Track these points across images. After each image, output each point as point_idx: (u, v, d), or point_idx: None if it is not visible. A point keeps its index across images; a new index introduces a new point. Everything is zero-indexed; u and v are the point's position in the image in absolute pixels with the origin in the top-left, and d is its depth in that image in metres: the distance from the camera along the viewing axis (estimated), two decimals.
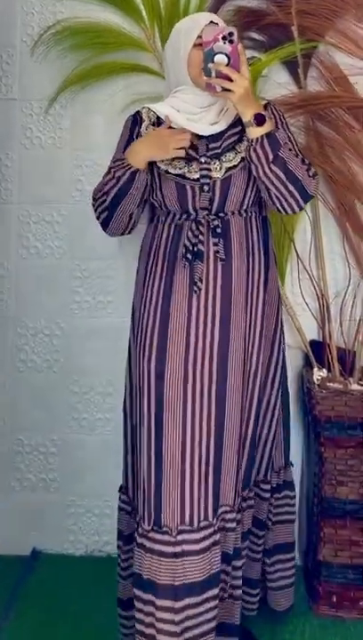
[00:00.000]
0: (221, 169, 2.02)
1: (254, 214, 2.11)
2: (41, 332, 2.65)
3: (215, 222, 2.03)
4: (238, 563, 2.02)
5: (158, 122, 2.09)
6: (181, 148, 1.98)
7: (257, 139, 1.94)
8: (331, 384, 2.37)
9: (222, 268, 2.01)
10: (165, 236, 2.10)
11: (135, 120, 2.13)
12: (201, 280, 2.00)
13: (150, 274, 2.09)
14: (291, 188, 1.98)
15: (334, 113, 2.45)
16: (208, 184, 2.02)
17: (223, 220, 2.04)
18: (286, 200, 2.00)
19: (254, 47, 2.50)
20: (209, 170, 2.02)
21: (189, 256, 2.02)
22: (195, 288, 2.00)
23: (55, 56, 2.52)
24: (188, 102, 2.03)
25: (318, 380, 2.38)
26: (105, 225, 2.10)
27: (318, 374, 2.40)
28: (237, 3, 2.50)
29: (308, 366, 2.52)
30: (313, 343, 2.54)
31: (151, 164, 2.04)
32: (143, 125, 2.12)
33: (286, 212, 2.04)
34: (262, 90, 2.46)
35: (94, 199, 2.09)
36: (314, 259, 2.57)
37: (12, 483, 2.70)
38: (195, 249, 2.02)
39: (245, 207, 2.07)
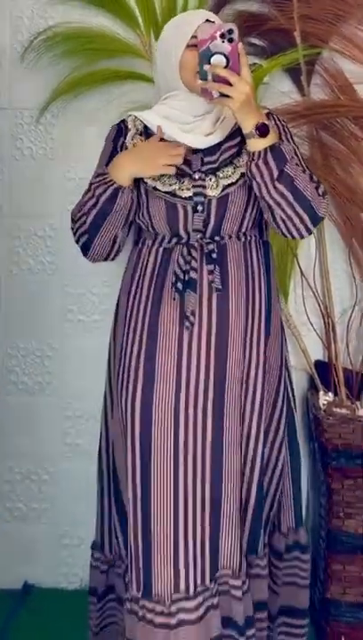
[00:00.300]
0: (217, 186, 1.83)
1: (253, 238, 1.92)
2: (32, 353, 2.55)
3: (210, 247, 1.83)
4: (251, 632, 1.83)
5: (146, 132, 1.91)
6: (171, 165, 1.79)
7: (259, 152, 1.74)
8: (338, 409, 2.24)
9: (218, 300, 1.81)
10: (151, 261, 1.89)
11: (120, 130, 1.95)
12: (193, 314, 1.80)
13: (133, 307, 1.88)
14: (299, 209, 1.77)
15: (339, 122, 2.36)
16: (202, 203, 1.83)
17: (219, 245, 1.85)
18: (292, 223, 1.79)
19: (255, 53, 2.40)
20: (204, 187, 1.83)
21: (179, 285, 1.82)
22: (186, 323, 1.80)
23: (46, 63, 2.43)
24: (180, 110, 1.85)
25: (324, 404, 2.25)
26: (85, 249, 1.90)
27: (324, 399, 2.28)
28: (236, 7, 2.41)
29: (313, 389, 2.40)
30: (318, 364, 2.43)
31: (137, 180, 1.86)
32: (129, 135, 1.93)
33: (292, 236, 1.84)
34: (264, 98, 2.36)
35: (73, 221, 1.89)
36: (319, 275, 2.47)
37: (1, 512, 2.59)
38: (186, 277, 1.81)
39: (244, 230, 1.88)
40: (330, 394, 2.34)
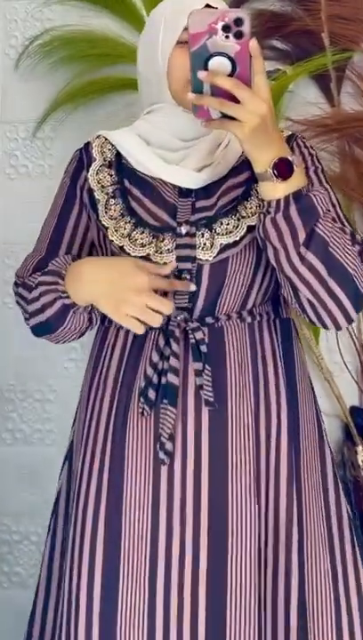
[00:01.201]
0: (212, 246, 1.34)
1: (265, 317, 1.43)
2: (30, 397, 2.32)
3: (198, 335, 1.35)
4: None
5: (118, 162, 1.47)
6: (144, 324, 1.30)
7: (278, 202, 1.26)
8: None
9: (211, 417, 1.32)
10: (117, 352, 1.43)
11: (81, 159, 1.52)
12: (172, 439, 1.31)
13: (92, 417, 1.42)
14: (336, 288, 1.28)
15: None
16: (190, 271, 1.35)
17: (213, 331, 1.37)
18: (326, 309, 1.30)
19: (278, 58, 2.18)
20: (192, 247, 1.34)
21: (150, 394, 1.34)
22: (161, 455, 1.31)
23: (43, 70, 2.23)
24: (165, 130, 1.41)
25: None
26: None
27: None
28: (256, 5, 2.19)
29: (349, 441, 2.12)
30: (354, 410, 2.16)
31: (97, 237, 1.46)
32: (93, 167, 1.48)
33: (324, 325, 1.34)
34: (287, 109, 2.14)
35: (15, 290, 1.48)
36: None
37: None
38: (162, 381, 1.34)
39: (249, 307, 1.40)
40: None
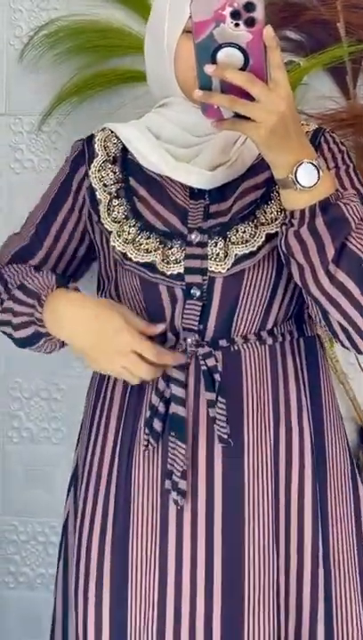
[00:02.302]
0: (226, 257, 1.21)
1: (289, 337, 1.30)
2: (37, 396, 2.25)
3: (211, 361, 1.23)
4: None
5: (124, 158, 1.35)
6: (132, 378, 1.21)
7: (303, 213, 1.13)
8: None
9: (225, 454, 1.20)
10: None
11: (82, 152, 1.41)
12: (184, 476, 1.18)
13: (96, 443, 1.33)
14: None
15: None
16: (200, 286, 1.23)
17: (228, 356, 1.24)
18: (360, 333, 1.17)
19: (292, 49, 2.08)
20: (203, 258, 1.22)
21: (155, 425, 1.23)
22: (175, 497, 1.19)
23: (49, 62, 2.14)
24: (177, 125, 1.30)
25: None
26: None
27: None
28: None
29: None
30: None
31: (98, 240, 1.35)
32: (95, 163, 1.36)
33: (358, 351, 1.21)
34: (301, 102, 2.04)
35: None
36: None
37: (4, 578, 2.31)
38: (170, 412, 1.21)
39: (270, 326, 1.27)
40: None
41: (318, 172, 1.13)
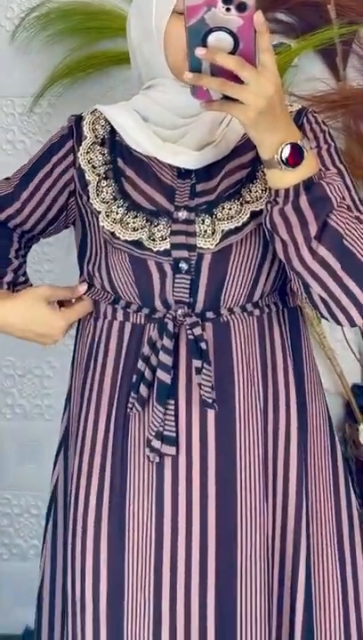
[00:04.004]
0: (213, 233, 1.21)
1: (274, 308, 1.31)
2: (30, 373, 2.22)
3: (197, 330, 1.23)
4: None
5: (112, 138, 1.34)
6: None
7: (287, 191, 1.13)
8: None
9: (217, 416, 1.23)
10: (113, 342, 1.31)
11: (69, 134, 1.39)
12: (165, 439, 1.21)
13: (89, 407, 1.33)
14: (351, 284, 1.15)
15: None
16: (188, 261, 1.23)
17: (218, 326, 1.26)
18: (340, 306, 1.17)
19: (283, 31, 2.04)
20: (191, 235, 1.21)
21: (141, 390, 1.24)
22: (148, 453, 1.22)
23: (41, 44, 2.09)
24: (164, 106, 1.28)
25: None
26: None
27: None
28: None
29: (351, 419, 2.04)
30: (356, 388, 2.07)
31: (87, 218, 1.35)
32: (83, 146, 1.35)
33: (337, 322, 1.21)
34: (292, 84, 2.01)
35: None
36: None
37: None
38: (157, 378, 1.23)
39: (256, 299, 1.28)
40: None
41: (303, 153, 1.12)
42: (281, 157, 1.11)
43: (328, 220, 1.13)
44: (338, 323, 1.21)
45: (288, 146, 1.11)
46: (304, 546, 1.27)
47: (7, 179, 1.46)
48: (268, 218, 1.16)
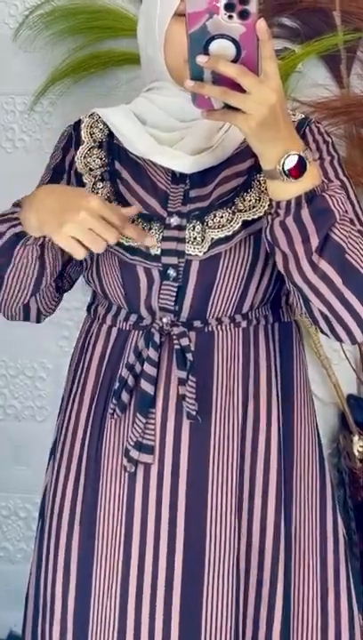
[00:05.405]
0: (203, 240, 1.17)
1: (263, 321, 1.26)
2: (22, 374, 2.18)
3: (184, 341, 1.20)
4: None
5: (110, 143, 1.31)
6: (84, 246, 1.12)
7: (289, 203, 1.09)
8: None
9: (192, 430, 1.18)
10: (100, 344, 1.28)
11: (70, 137, 1.36)
12: (143, 448, 1.18)
13: (71, 412, 1.30)
14: (353, 300, 1.10)
15: None
16: (176, 267, 1.19)
17: (201, 336, 1.22)
18: (340, 322, 1.12)
19: (287, 36, 2.00)
20: (181, 241, 1.18)
21: (123, 397, 1.21)
22: (125, 463, 1.19)
23: (43, 42, 2.06)
24: (163, 109, 1.25)
25: (359, 452, 1.84)
26: None
27: (360, 445, 1.86)
28: None
29: (345, 430, 1.98)
30: (352, 399, 2.02)
31: None
32: (80, 150, 1.31)
33: (337, 338, 1.16)
34: (295, 90, 1.97)
35: None
36: None
37: None
38: (139, 387, 1.20)
39: (245, 310, 1.24)
40: None
41: (306, 164, 1.08)
42: (283, 168, 1.06)
43: (330, 234, 1.09)
44: (339, 339, 1.17)
45: (291, 157, 1.06)
46: (282, 565, 1.22)
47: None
48: (268, 230, 1.12)
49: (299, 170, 1.07)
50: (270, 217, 1.12)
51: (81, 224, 1.10)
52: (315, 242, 1.08)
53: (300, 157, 1.07)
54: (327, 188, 1.12)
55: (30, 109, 2.10)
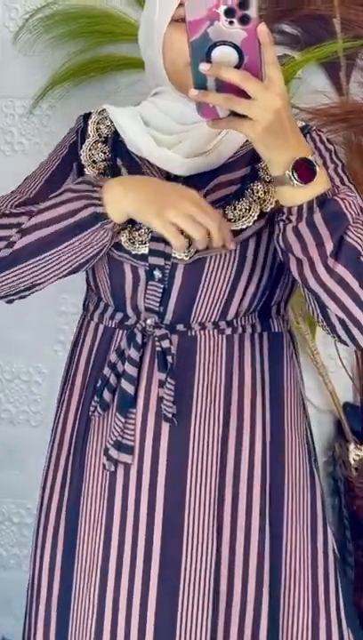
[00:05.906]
0: (189, 245, 1.16)
1: (250, 329, 1.25)
2: (18, 378, 2.15)
3: (165, 343, 1.20)
4: None
5: (115, 141, 1.31)
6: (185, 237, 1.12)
7: (300, 209, 1.07)
8: None
9: (171, 432, 1.18)
10: (88, 341, 1.29)
11: (77, 132, 1.38)
12: (121, 447, 1.18)
13: (61, 411, 1.31)
14: None
15: None
16: (162, 269, 1.19)
17: (184, 339, 1.21)
18: (359, 327, 1.11)
19: (287, 43, 1.98)
20: (169, 243, 1.15)
21: (104, 395, 1.22)
22: (104, 461, 1.19)
23: (43, 46, 2.04)
24: (167, 114, 1.26)
25: (355, 460, 1.81)
26: None
27: (356, 453, 1.83)
28: None
29: (341, 438, 1.95)
30: (348, 407, 1.99)
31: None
32: (86, 144, 1.33)
33: (357, 345, 1.15)
34: (294, 96, 1.94)
35: None
36: None
37: None
38: (120, 387, 1.20)
39: (230, 317, 1.23)
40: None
41: (315, 168, 1.06)
42: (292, 174, 1.05)
43: (345, 237, 1.07)
44: (358, 346, 1.15)
45: (300, 162, 1.05)
46: (268, 568, 1.21)
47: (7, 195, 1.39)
48: (281, 236, 1.10)
49: (308, 174, 1.05)
50: (281, 224, 1.10)
51: (184, 210, 1.11)
52: (330, 246, 1.07)
53: (309, 162, 1.05)
54: (338, 192, 1.11)
55: (30, 113, 2.08)
